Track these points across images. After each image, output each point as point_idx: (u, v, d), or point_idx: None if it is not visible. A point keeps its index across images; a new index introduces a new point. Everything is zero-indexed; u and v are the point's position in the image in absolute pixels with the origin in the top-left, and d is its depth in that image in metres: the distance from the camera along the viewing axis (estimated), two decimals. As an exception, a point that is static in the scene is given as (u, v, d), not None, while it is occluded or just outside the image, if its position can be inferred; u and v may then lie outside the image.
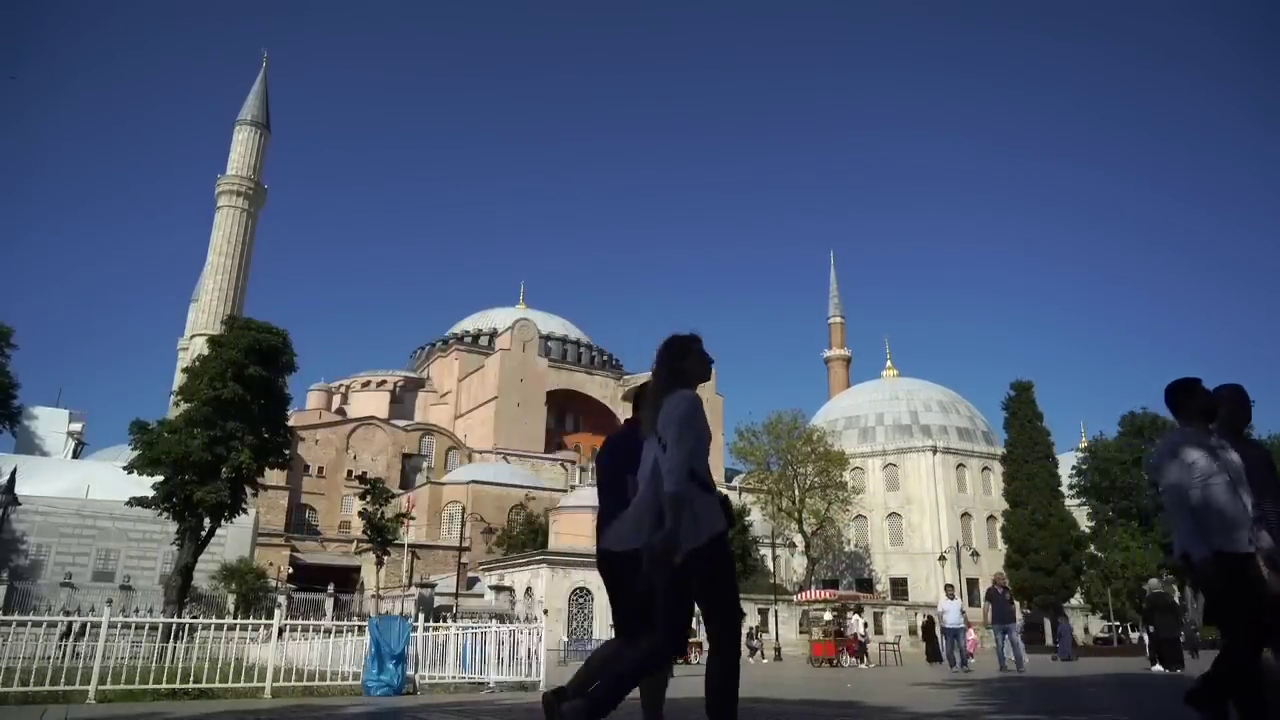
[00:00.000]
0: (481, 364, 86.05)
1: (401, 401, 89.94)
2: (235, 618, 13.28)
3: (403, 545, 52.78)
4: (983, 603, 21.10)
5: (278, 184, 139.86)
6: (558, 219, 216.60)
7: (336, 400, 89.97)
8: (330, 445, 74.60)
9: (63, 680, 9.36)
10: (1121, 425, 57.65)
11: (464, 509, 54.97)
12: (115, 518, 39.43)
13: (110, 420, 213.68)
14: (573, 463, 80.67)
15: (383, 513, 40.87)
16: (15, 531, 36.81)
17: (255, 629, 13.84)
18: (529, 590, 42.07)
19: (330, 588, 48.18)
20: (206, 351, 29.10)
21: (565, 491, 67.90)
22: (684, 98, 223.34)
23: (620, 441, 4.63)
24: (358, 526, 53.33)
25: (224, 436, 26.24)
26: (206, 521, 27.07)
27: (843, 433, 68.21)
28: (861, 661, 27.35)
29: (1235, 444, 4.54)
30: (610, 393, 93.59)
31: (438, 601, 38.70)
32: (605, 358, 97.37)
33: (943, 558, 51.13)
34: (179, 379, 32.46)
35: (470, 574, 50.32)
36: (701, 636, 32.68)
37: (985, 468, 66.48)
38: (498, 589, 44.81)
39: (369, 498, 40.61)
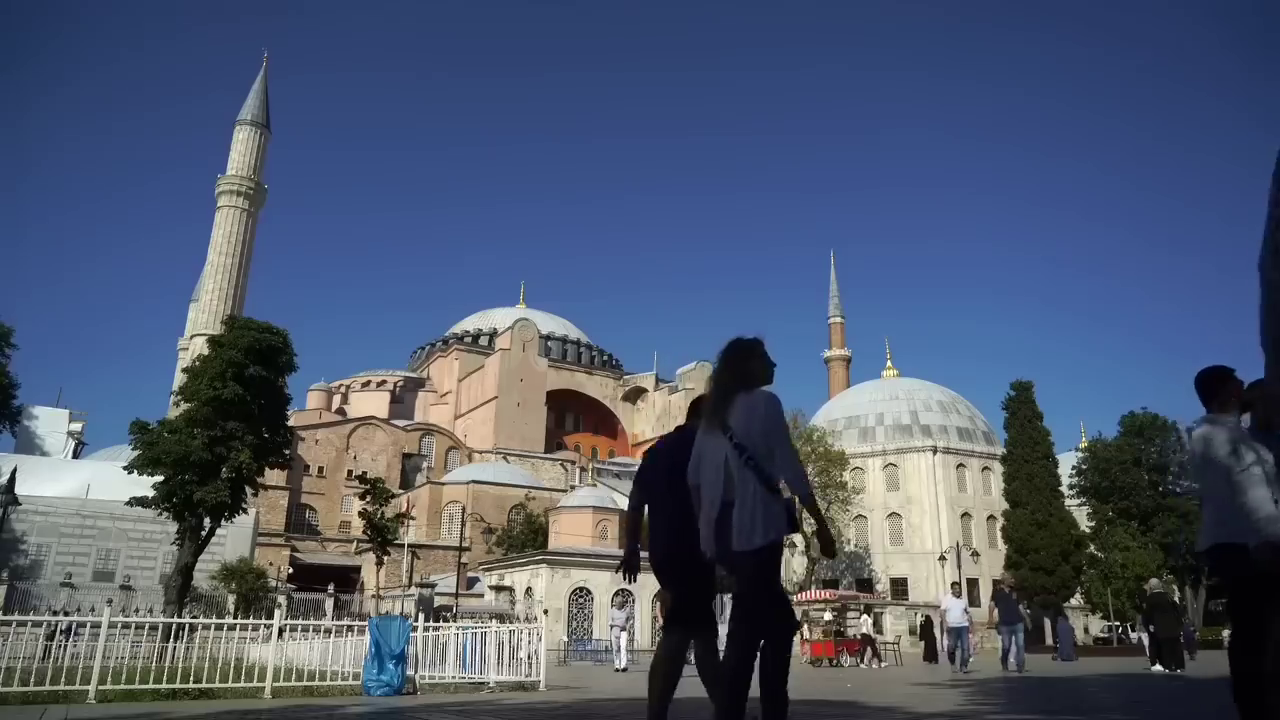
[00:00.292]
0: (481, 364, 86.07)
1: (401, 401, 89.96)
2: (235, 618, 13.28)
3: (403, 545, 52.78)
4: (989, 603, 21.09)
5: (278, 184, 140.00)
6: (558, 219, 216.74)
7: (336, 400, 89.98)
8: (330, 445, 74.61)
9: (63, 680, 9.36)
10: (1121, 425, 57.66)
11: (464, 509, 54.96)
12: (115, 518, 39.45)
13: (110, 420, 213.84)
14: (573, 463, 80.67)
15: (383, 513, 40.83)
16: (15, 531, 36.83)
17: (255, 629, 13.85)
18: (529, 590, 42.06)
19: (330, 588, 48.20)
20: (206, 351, 29.10)
21: (565, 491, 67.89)
22: (684, 98, 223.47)
23: (675, 445, 4.76)
24: (358, 526, 53.32)
25: (224, 436, 26.24)
26: (206, 521, 27.07)
27: (843, 432, 68.18)
28: (863, 661, 27.29)
29: (1265, 439, 4.37)
30: (610, 393, 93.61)
31: (438, 601, 38.69)
32: (605, 358, 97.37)
33: (943, 558, 51.11)
34: (179, 379, 32.47)
35: (470, 574, 50.32)
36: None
37: (985, 468, 66.43)
38: (498, 589, 44.80)
39: (369, 498, 40.57)
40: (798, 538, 60.91)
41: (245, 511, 29.83)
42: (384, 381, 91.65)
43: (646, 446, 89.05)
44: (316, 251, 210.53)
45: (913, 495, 65.13)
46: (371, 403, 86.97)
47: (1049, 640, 37.87)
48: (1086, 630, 52.58)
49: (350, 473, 69.87)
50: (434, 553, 59.52)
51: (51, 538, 40.24)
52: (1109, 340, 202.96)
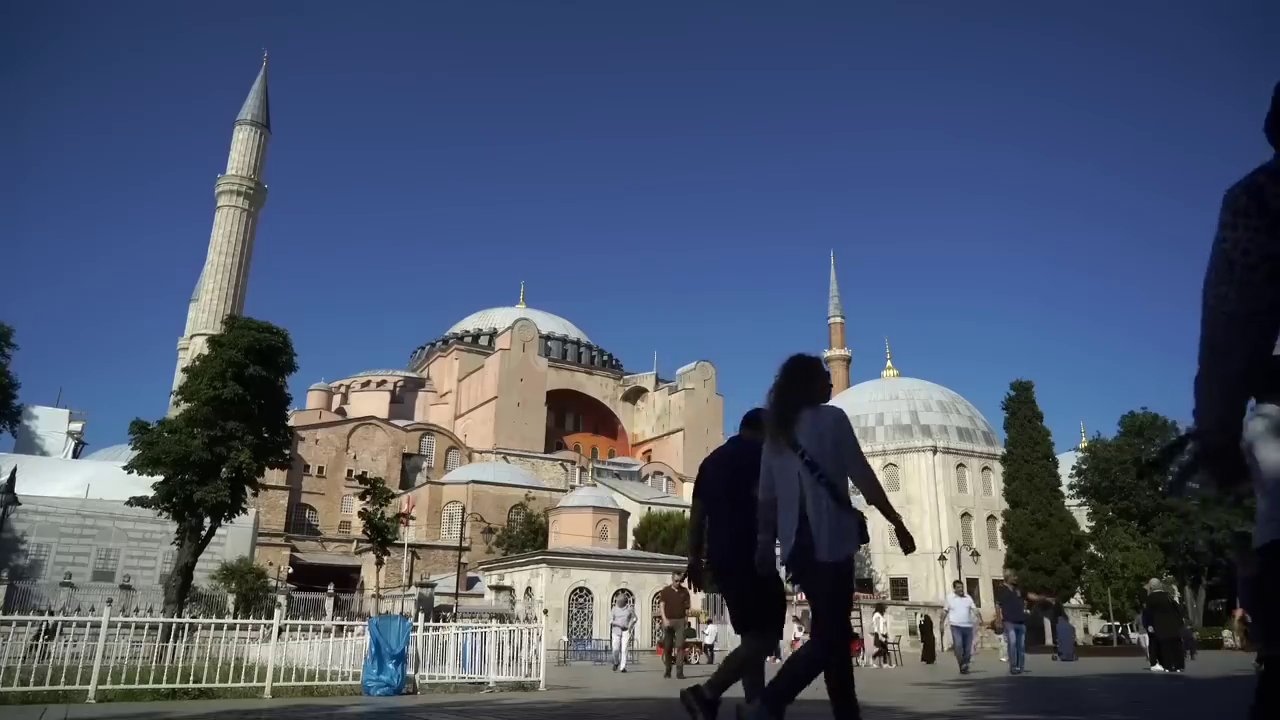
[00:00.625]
0: (481, 364, 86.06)
1: (401, 401, 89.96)
2: (235, 617, 13.27)
3: (403, 545, 52.78)
4: (994, 603, 21.07)
5: (278, 184, 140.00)
6: (558, 219, 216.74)
7: (336, 400, 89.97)
8: (330, 445, 74.61)
9: (63, 680, 9.36)
10: (1121, 425, 57.67)
11: (464, 509, 54.94)
12: (115, 517, 39.45)
13: (110, 420, 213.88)
14: (572, 463, 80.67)
15: (383, 512, 40.82)
16: (15, 531, 36.82)
17: (255, 629, 13.84)
18: (529, 590, 42.06)
19: (330, 587, 48.18)
20: (206, 351, 29.10)
21: (565, 491, 67.90)
22: (684, 98, 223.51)
23: (732, 458, 4.99)
24: (358, 526, 53.30)
25: (224, 436, 26.24)
26: (206, 521, 27.07)
27: (843, 433, 68.16)
28: (870, 660, 27.18)
29: None
30: (610, 393, 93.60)
31: (438, 601, 38.66)
32: (605, 358, 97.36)
33: (943, 558, 51.12)
34: (179, 379, 32.46)
35: (470, 574, 50.31)
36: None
37: (985, 468, 66.44)
38: (498, 589, 44.80)
39: (369, 497, 40.55)
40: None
41: (245, 511, 29.82)
42: (384, 381, 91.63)
43: (645, 447, 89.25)
44: (316, 251, 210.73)
45: (913, 495, 65.14)
46: (371, 403, 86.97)
47: (1049, 640, 37.84)
48: (1086, 630, 52.55)
49: (350, 473, 69.87)
50: (434, 553, 59.53)
51: (51, 537, 40.23)
52: (1109, 340, 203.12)
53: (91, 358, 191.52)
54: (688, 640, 16.75)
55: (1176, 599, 45.16)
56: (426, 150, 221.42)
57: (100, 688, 9.36)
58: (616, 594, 39.81)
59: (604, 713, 7.66)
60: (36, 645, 12.40)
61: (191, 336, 77.77)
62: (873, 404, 72.81)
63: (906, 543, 4.25)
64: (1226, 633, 40.69)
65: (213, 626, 13.87)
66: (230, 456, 26.11)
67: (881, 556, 64.35)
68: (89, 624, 10.50)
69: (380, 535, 40.33)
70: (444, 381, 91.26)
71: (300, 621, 16.08)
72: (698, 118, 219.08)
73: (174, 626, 13.23)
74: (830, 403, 4.21)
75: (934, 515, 64.49)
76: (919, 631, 36.00)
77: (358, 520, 50.11)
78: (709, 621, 35.69)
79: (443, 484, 68.06)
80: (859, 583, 62.67)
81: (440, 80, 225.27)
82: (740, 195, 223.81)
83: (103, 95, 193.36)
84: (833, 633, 4.01)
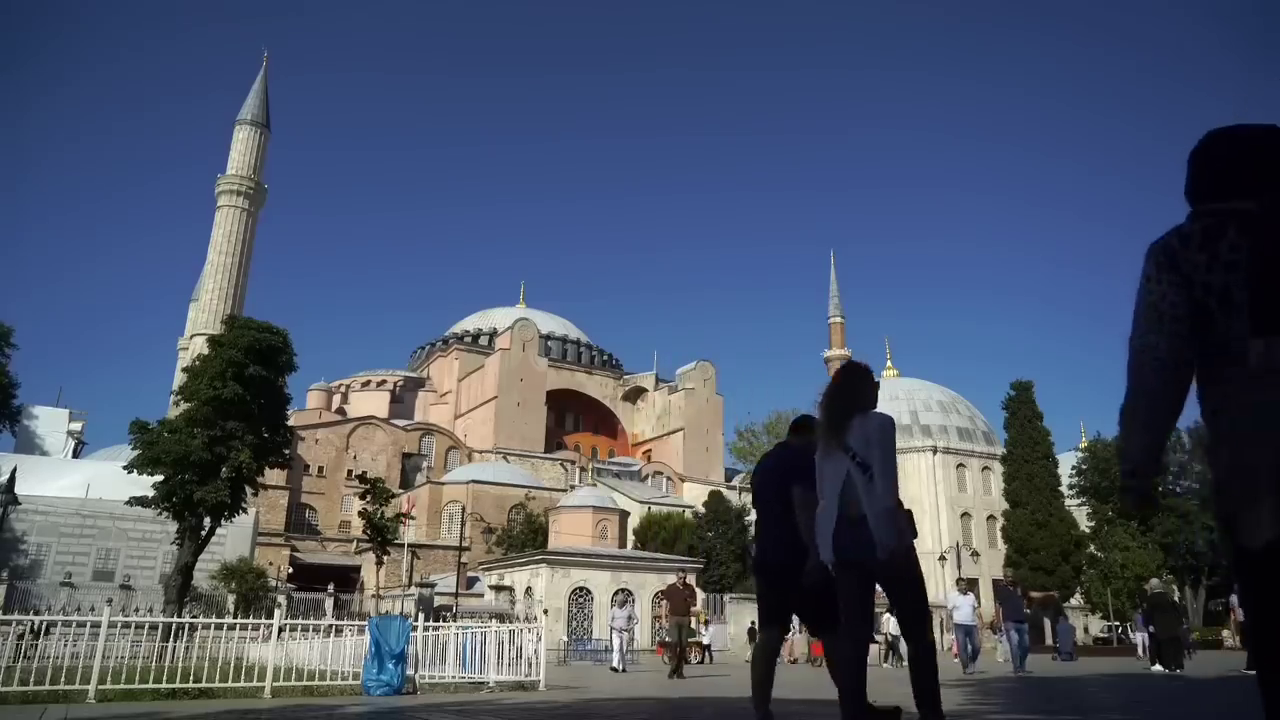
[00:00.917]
0: (481, 364, 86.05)
1: (401, 401, 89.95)
2: (235, 617, 13.27)
3: (403, 545, 52.77)
4: (994, 602, 21.00)
5: (278, 183, 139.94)
6: (558, 219, 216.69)
7: (336, 400, 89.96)
8: (330, 445, 74.60)
9: (63, 680, 9.36)
10: (1122, 425, 57.59)
11: (464, 509, 54.95)
12: (115, 517, 39.44)
13: (110, 420, 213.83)
14: (572, 463, 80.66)
15: (383, 512, 40.82)
16: (15, 531, 36.83)
17: (255, 628, 13.84)
18: (529, 590, 42.06)
19: (330, 587, 48.18)
20: (206, 351, 29.09)
21: (565, 491, 67.90)
22: (685, 98, 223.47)
23: (780, 462, 5.23)
24: (358, 526, 53.28)
25: (224, 436, 26.23)
26: (206, 521, 27.06)
27: (843, 433, 68.20)
28: (891, 662, 27.03)
29: None
30: (610, 393, 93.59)
31: (438, 601, 38.68)
32: (605, 358, 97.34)
33: (943, 558, 51.11)
34: (179, 379, 32.45)
35: (470, 574, 50.32)
36: (705, 638, 32.56)
37: (985, 468, 66.48)
38: (497, 589, 44.80)
39: (369, 497, 40.53)
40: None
41: (245, 511, 29.81)
42: (384, 381, 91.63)
43: (645, 447, 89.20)
44: (316, 251, 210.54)
45: (913, 495, 65.13)
46: (371, 402, 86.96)
47: (1049, 640, 37.87)
48: (1086, 630, 52.57)
49: (350, 472, 69.86)
50: (434, 552, 59.53)
51: (51, 537, 40.23)
52: (1109, 340, 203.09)
53: (91, 358, 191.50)
54: (689, 640, 16.74)
55: (1176, 599, 45.21)
56: (426, 150, 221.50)
57: (100, 688, 9.36)
58: (616, 594, 39.80)
59: (604, 713, 7.67)
60: (21, 645, 12.33)
61: (191, 336, 77.77)
62: (873, 404, 72.81)
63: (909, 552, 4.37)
64: (1226, 633, 40.70)
65: (213, 626, 13.88)
66: (230, 456, 26.10)
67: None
68: (89, 624, 10.50)
69: (380, 535, 40.31)
70: (444, 381, 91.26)
71: (296, 621, 16.08)
72: (698, 118, 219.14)
73: (174, 626, 13.22)
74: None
75: (934, 515, 64.52)
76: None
77: (358, 520, 50.09)
78: (707, 622, 35.74)
79: (443, 484, 68.06)
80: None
81: (440, 80, 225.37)
82: (740, 195, 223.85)
83: (103, 95, 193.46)
84: (923, 618, 4.26)
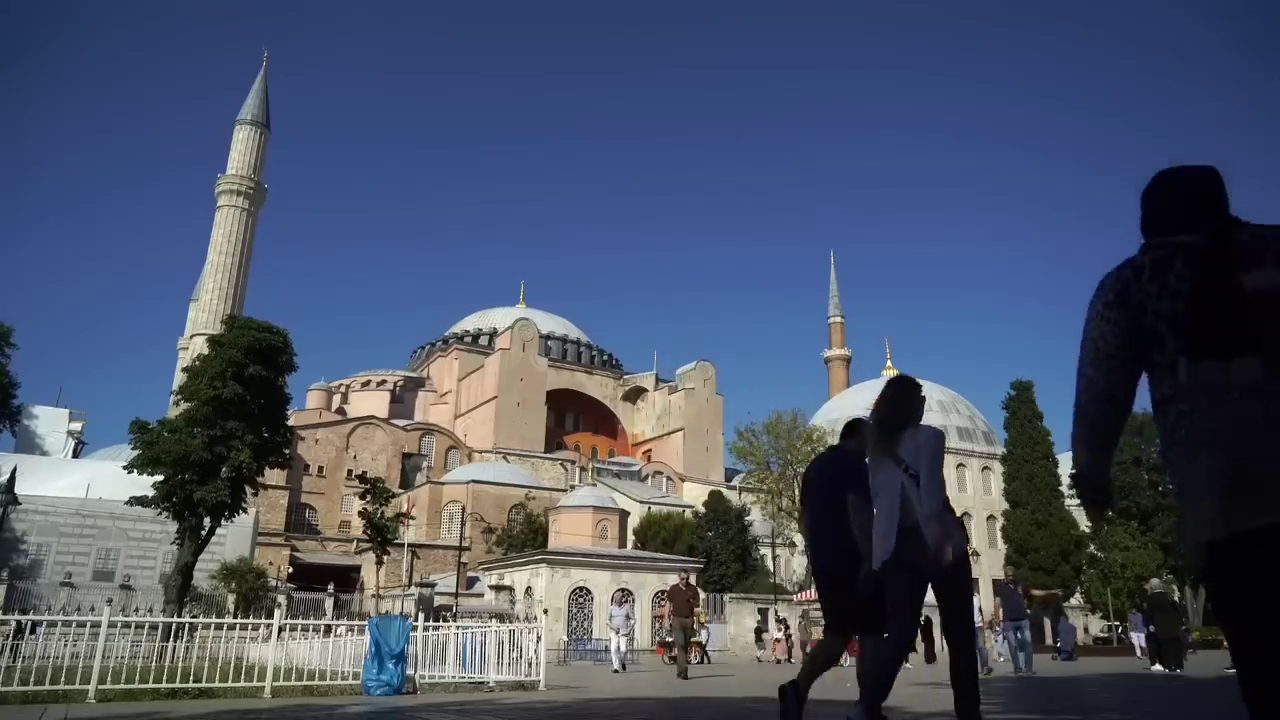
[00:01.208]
0: (481, 364, 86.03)
1: (401, 401, 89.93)
2: (235, 617, 13.26)
3: (403, 545, 52.77)
4: (994, 600, 20.83)
5: (278, 183, 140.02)
6: (558, 219, 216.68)
7: (336, 400, 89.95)
8: (330, 445, 74.59)
9: (63, 680, 9.36)
10: (1121, 425, 57.61)
11: (464, 508, 54.94)
12: (115, 517, 39.43)
13: (110, 420, 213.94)
14: (572, 462, 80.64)
15: (383, 512, 40.81)
16: (15, 531, 36.81)
17: (255, 628, 13.83)
18: (529, 590, 42.04)
19: (330, 587, 48.17)
20: (206, 351, 29.07)
21: (565, 491, 67.88)
22: (684, 98, 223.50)
23: (829, 465, 5.43)
24: (358, 526, 53.29)
25: (224, 436, 26.22)
26: (206, 521, 27.04)
27: (843, 432, 68.10)
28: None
29: None
30: (610, 392, 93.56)
31: (438, 601, 38.66)
32: (605, 358, 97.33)
33: (943, 558, 51.07)
34: (179, 378, 32.45)
35: (470, 573, 50.30)
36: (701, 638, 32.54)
37: (985, 467, 66.46)
38: (497, 588, 44.79)
39: (369, 497, 40.54)
40: (797, 538, 61.18)
41: (245, 511, 29.79)
42: (384, 381, 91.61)
43: (645, 447, 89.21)
44: (316, 251, 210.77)
45: (913, 495, 65.17)
46: (371, 402, 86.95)
47: (1049, 640, 37.91)
48: (1086, 630, 52.59)
49: (350, 472, 69.88)
50: (434, 552, 59.52)
51: (51, 537, 40.22)
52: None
53: (91, 358, 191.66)
54: (690, 640, 16.65)
55: (1176, 599, 45.20)
56: (426, 150, 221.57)
57: (100, 687, 9.36)
58: (615, 594, 39.78)
59: (604, 713, 7.67)
60: (6, 645, 12.25)
61: (191, 336, 77.77)
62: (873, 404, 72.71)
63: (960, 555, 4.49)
64: (1226, 633, 40.65)
65: (213, 626, 13.87)
66: (230, 456, 26.08)
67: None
68: (89, 624, 10.49)
69: (380, 535, 40.32)
70: (444, 381, 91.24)
71: (300, 621, 16.08)
72: (698, 118, 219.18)
73: (174, 626, 13.21)
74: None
75: (934, 515, 64.47)
76: (920, 632, 36.02)
77: (358, 520, 50.12)
78: (707, 621, 35.73)
79: (443, 484, 68.04)
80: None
81: (440, 80, 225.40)
82: (741, 195, 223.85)
83: (103, 95, 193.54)
84: (967, 623, 4.43)
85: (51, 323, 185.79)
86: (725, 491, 64.85)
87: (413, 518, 58.53)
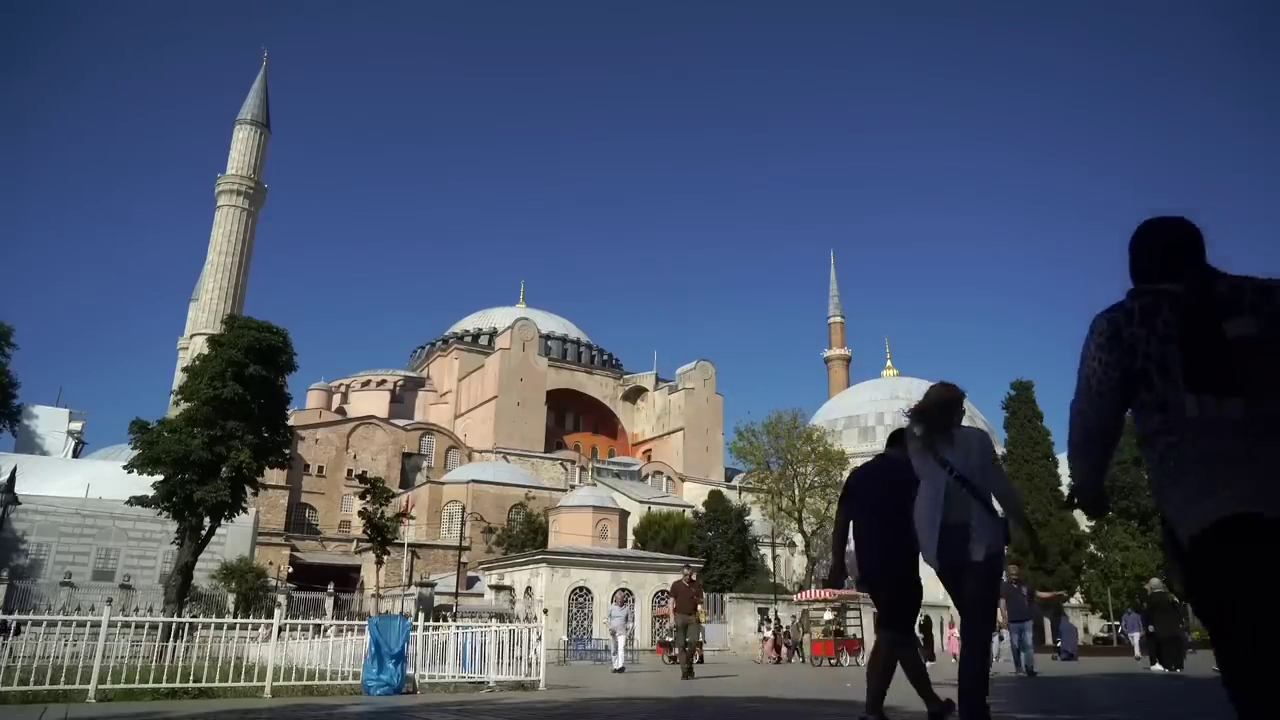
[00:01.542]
0: (481, 363, 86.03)
1: (401, 401, 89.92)
2: (235, 617, 13.26)
3: (403, 545, 52.77)
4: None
5: (278, 183, 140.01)
6: (558, 219, 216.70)
7: (336, 400, 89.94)
8: (330, 445, 74.59)
9: (63, 679, 9.36)
10: (1121, 425, 57.65)
11: (464, 508, 54.94)
12: (115, 517, 39.45)
13: (110, 420, 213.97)
14: (572, 462, 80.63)
15: (383, 512, 40.83)
16: (15, 531, 36.84)
17: (255, 628, 13.83)
18: (529, 590, 42.04)
19: (330, 587, 48.19)
20: (206, 351, 29.09)
21: (565, 491, 67.87)
22: (684, 98, 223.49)
23: (883, 473, 5.56)
24: (358, 526, 53.32)
25: (224, 436, 26.23)
26: (206, 521, 27.06)
27: (843, 432, 68.19)
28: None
29: None
30: (610, 392, 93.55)
31: (437, 601, 38.64)
32: (605, 357, 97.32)
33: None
34: (179, 378, 32.46)
35: (470, 573, 50.30)
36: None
37: (985, 467, 66.37)
38: (497, 588, 44.79)
39: (369, 497, 40.55)
40: (797, 538, 61.22)
41: (245, 511, 29.81)
42: (384, 381, 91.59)
43: (645, 447, 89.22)
44: (316, 251, 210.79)
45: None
46: (371, 402, 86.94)
47: (1048, 639, 37.91)
48: (1086, 630, 52.56)
49: (350, 472, 69.89)
50: (434, 552, 59.51)
51: (51, 537, 40.23)
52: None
53: (91, 358, 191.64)
54: (689, 640, 16.47)
55: (1176, 599, 45.17)
56: (426, 150, 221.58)
57: (100, 687, 9.37)
58: (615, 594, 39.78)
59: (603, 712, 7.66)
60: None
61: (191, 336, 77.76)
62: (873, 404, 72.78)
63: (1039, 553, 4.62)
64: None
65: (213, 626, 13.87)
66: (230, 456, 26.09)
67: (881, 556, 64.34)
68: (89, 623, 10.49)
69: (380, 535, 40.34)
70: (444, 381, 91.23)
71: (300, 621, 16.09)
72: (698, 118, 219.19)
73: (174, 626, 13.21)
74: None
75: (934, 515, 64.46)
76: (920, 631, 36.06)
77: (358, 520, 50.15)
78: (707, 621, 35.69)
79: (443, 483, 68.03)
80: (859, 582, 62.82)
81: (440, 80, 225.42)
82: (740, 195, 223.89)
83: (103, 95, 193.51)
84: (985, 629, 4.70)
85: (51, 323, 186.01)
86: (725, 491, 64.86)
87: (413, 518, 58.51)
